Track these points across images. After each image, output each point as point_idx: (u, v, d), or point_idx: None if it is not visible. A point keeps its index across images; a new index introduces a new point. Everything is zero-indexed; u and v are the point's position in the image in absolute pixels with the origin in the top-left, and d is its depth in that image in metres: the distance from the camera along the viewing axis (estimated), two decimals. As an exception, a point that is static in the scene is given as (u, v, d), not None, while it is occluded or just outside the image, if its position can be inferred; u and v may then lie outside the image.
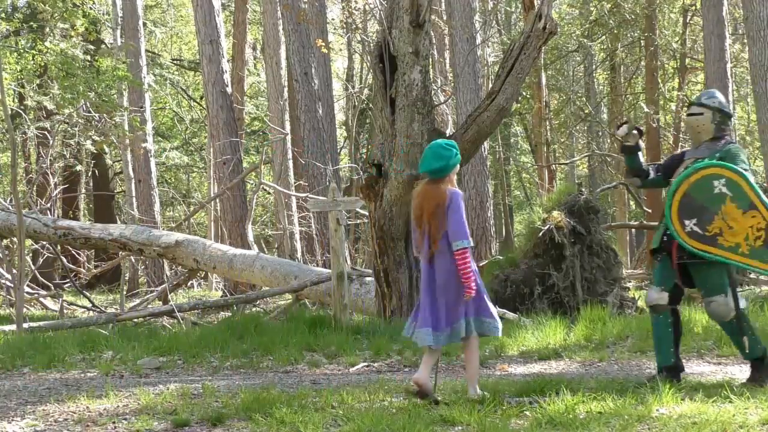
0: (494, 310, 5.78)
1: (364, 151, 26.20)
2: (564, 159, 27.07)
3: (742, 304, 5.99)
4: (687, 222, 5.78)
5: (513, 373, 7.03)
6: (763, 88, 13.61)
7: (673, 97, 25.86)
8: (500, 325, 5.77)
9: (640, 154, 6.37)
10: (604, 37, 25.78)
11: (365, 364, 7.68)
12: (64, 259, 16.79)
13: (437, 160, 5.67)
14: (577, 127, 27.52)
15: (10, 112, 12.79)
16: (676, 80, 25.89)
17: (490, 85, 12.94)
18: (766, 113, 13.61)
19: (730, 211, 5.76)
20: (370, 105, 17.77)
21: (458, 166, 5.77)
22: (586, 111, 26.13)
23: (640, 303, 10.96)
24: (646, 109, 23.12)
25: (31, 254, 17.94)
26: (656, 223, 7.44)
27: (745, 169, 5.93)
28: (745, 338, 5.95)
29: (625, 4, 23.42)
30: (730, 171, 5.81)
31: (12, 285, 12.37)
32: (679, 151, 7.50)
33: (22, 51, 18.25)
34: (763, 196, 5.85)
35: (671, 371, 6.06)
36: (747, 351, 6.00)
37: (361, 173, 10.31)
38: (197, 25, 18.60)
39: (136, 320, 11.18)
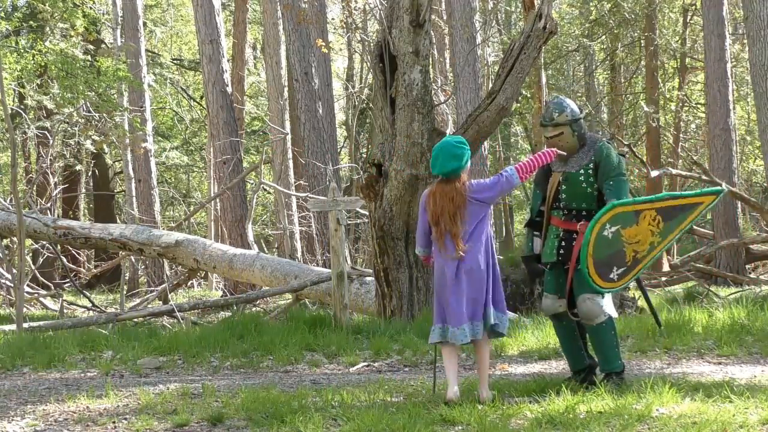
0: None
1: (364, 151, 26.23)
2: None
3: (614, 314, 5.96)
4: (611, 275, 5.82)
5: (513, 373, 7.02)
6: (763, 88, 13.60)
7: (673, 97, 25.88)
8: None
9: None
10: (604, 36, 25.78)
11: (365, 363, 7.68)
12: (64, 259, 16.81)
13: (452, 160, 5.63)
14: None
15: (10, 111, 12.78)
16: (676, 80, 25.92)
17: (490, 85, 12.95)
18: (766, 113, 13.60)
19: (630, 234, 5.81)
20: (370, 105, 17.79)
21: (470, 163, 5.78)
22: (586, 111, 26.13)
23: (640, 303, 10.95)
24: (646, 109, 23.12)
25: (31, 254, 17.95)
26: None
27: (620, 163, 5.98)
28: (608, 348, 5.91)
29: (625, 3, 23.43)
30: (607, 213, 5.76)
31: (12, 285, 12.37)
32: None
33: (22, 51, 18.23)
34: (638, 197, 5.93)
35: (586, 371, 6.10)
36: (606, 362, 5.95)
37: (361, 173, 10.29)
38: (197, 25, 18.61)
39: (136, 320, 11.17)
